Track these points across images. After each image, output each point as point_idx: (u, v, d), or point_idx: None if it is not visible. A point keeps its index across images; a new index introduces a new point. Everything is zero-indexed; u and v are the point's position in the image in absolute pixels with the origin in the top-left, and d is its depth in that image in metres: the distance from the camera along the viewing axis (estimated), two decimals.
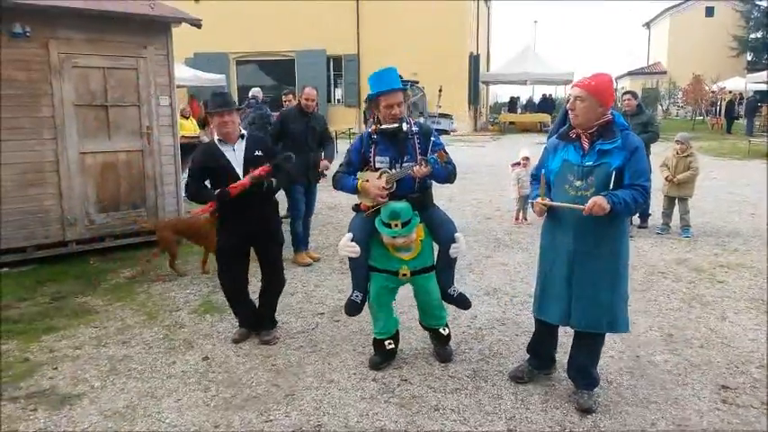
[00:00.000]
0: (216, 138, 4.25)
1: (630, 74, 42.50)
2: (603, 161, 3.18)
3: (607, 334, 4.24)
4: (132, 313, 5.00)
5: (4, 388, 3.71)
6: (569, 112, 3.30)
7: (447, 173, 3.80)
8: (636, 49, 75.01)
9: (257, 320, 4.45)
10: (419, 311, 4.04)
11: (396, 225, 3.62)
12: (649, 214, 8.15)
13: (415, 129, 3.84)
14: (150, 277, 5.95)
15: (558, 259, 3.36)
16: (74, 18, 6.18)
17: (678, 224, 7.66)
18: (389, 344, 3.92)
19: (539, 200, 3.35)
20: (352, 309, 3.83)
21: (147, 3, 6.67)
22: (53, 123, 6.18)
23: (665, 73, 38.69)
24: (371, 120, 9.27)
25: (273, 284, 4.43)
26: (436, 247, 3.94)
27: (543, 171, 3.47)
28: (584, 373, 3.47)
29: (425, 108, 19.06)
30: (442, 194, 9.46)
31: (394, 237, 3.65)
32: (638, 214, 8.09)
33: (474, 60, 27.68)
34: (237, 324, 4.53)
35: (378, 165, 3.81)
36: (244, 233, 4.19)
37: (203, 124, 8.64)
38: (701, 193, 10.55)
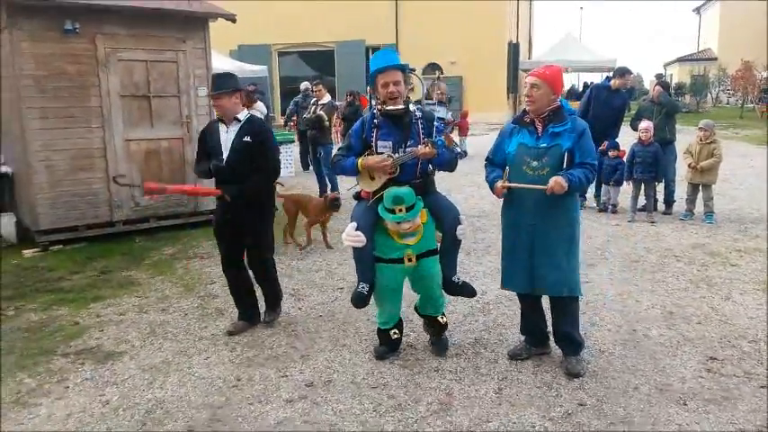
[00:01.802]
0: (216, 116, 4.35)
1: (680, 60, 41.41)
2: (556, 143, 3.51)
3: (607, 310, 4.53)
4: (171, 285, 5.49)
5: (56, 345, 4.21)
6: (526, 99, 3.56)
7: (451, 158, 3.74)
8: (684, 35, 72.55)
9: (258, 313, 4.52)
10: (419, 299, 3.99)
11: (400, 210, 3.54)
12: (674, 201, 8.22)
13: (418, 113, 3.78)
14: (189, 255, 6.44)
15: (521, 233, 3.62)
16: (119, 15, 6.69)
17: (702, 211, 7.74)
18: (394, 333, 3.91)
19: (500, 183, 3.59)
20: (360, 301, 3.72)
21: (187, 0, 7.13)
22: (101, 113, 6.72)
23: (715, 59, 37.57)
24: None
25: (255, 261, 4.43)
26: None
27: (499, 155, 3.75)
28: (567, 338, 3.72)
29: (461, 96, 19.11)
30: (473, 181, 9.72)
31: (399, 222, 3.57)
32: (663, 201, 8.21)
33: (513, 48, 27.54)
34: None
35: (380, 149, 3.70)
36: (232, 236, 4.29)
37: None
38: (736, 180, 10.53)
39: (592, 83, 31.13)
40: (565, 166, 3.52)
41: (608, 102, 8.06)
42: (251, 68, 19.64)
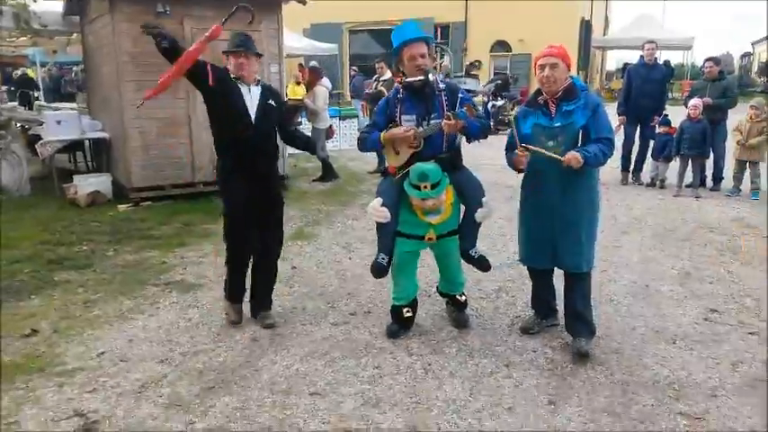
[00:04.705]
0: (232, 75, 3.91)
1: None
2: (570, 121, 3.49)
3: (628, 270, 4.70)
4: None
5: (149, 278, 5.09)
6: (544, 80, 3.48)
7: (480, 126, 3.70)
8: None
9: (252, 302, 4.25)
10: (440, 275, 4.08)
11: (425, 187, 3.53)
12: (722, 177, 8.38)
13: (442, 86, 3.73)
14: None
15: (542, 210, 3.62)
16: None
17: (750, 187, 7.89)
18: (407, 312, 3.94)
19: (518, 149, 3.51)
20: (379, 271, 3.77)
21: None
22: (187, 86, 7.58)
23: None
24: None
25: (273, 244, 4.17)
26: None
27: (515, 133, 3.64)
28: (580, 317, 3.69)
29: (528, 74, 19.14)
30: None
31: (423, 199, 3.56)
32: (711, 177, 8.39)
33: (585, 25, 27.11)
34: (226, 298, 4.19)
35: (404, 123, 3.69)
36: (249, 194, 3.92)
37: (308, 89, 9.87)
38: None
39: (667, 61, 30.33)
40: (580, 143, 3.50)
41: (647, 77, 8.36)
42: (321, 46, 20.45)
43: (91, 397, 3.24)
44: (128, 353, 3.74)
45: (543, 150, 3.49)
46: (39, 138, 8.33)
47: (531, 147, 3.51)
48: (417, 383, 3.35)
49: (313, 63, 11.79)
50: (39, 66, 19.03)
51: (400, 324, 3.97)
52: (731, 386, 3.30)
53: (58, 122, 8.18)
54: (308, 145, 4.40)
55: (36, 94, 18.10)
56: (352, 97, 16.76)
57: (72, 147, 9.00)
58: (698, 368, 3.49)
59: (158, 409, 3.13)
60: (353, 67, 19.90)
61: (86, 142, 8.95)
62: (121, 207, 7.49)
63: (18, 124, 9.76)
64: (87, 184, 7.70)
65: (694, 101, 8.01)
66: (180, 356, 3.69)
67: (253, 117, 3.88)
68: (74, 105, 12.00)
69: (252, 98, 3.91)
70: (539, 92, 3.64)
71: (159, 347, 3.81)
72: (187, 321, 4.22)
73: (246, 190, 3.90)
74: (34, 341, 3.90)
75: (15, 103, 12.47)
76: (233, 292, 4.16)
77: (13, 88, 18.31)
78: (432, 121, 3.64)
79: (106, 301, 4.56)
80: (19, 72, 19.87)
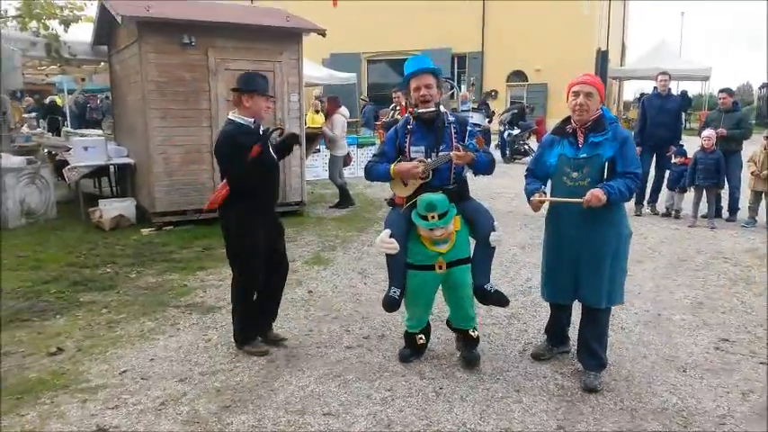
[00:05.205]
0: (251, 120, 3.92)
1: None
2: (596, 153, 3.45)
3: (640, 299, 4.62)
4: None
5: (170, 300, 5.24)
6: (577, 107, 3.47)
7: (488, 160, 3.75)
8: None
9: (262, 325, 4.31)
10: (450, 309, 3.99)
11: (432, 217, 3.57)
12: (738, 208, 8.39)
13: (451, 118, 3.81)
14: None
15: (563, 245, 3.63)
16: (228, 31, 7.82)
17: (766, 219, 7.89)
18: (420, 339, 3.99)
19: (536, 196, 3.59)
20: (391, 305, 3.78)
21: (284, 17, 8.16)
22: (210, 114, 7.85)
23: None
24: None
25: (284, 270, 4.36)
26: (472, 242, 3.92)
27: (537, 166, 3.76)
28: (592, 353, 3.67)
29: (545, 103, 19.37)
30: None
31: (431, 229, 3.59)
32: (727, 208, 8.41)
33: (602, 56, 27.32)
34: (243, 340, 4.18)
35: (413, 154, 3.73)
36: (268, 229, 4.07)
37: (327, 117, 10.11)
38: None
39: (684, 91, 30.47)
40: (606, 176, 3.45)
41: (662, 107, 8.45)
42: (340, 76, 20.83)
43: (113, 413, 3.36)
44: (149, 371, 3.87)
45: (560, 199, 3.53)
46: (66, 163, 8.61)
47: (546, 198, 3.57)
48: (428, 406, 3.42)
49: (317, 93, 12.16)
50: (66, 93, 19.60)
51: (413, 349, 4.02)
52: (740, 415, 3.34)
53: (86, 148, 8.46)
54: (285, 142, 4.31)
55: (63, 121, 18.64)
56: (362, 125, 17.24)
57: (98, 172, 9.27)
58: (707, 396, 3.53)
59: (177, 425, 3.24)
60: (363, 97, 20.31)
61: (111, 168, 9.23)
62: (144, 231, 7.69)
63: (46, 150, 10.10)
64: (112, 209, 7.94)
65: (707, 132, 8.08)
66: (199, 375, 3.81)
67: (274, 156, 4.01)
68: (99, 132, 12.37)
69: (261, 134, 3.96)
70: (567, 120, 3.62)
71: (179, 366, 3.94)
72: (206, 342, 4.34)
73: (265, 226, 4.03)
74: (59, 359, 4.04)
75: (44, 130, 12.88)
76: (250, 327, 4.19)
77: (36, 114, 18.86)
78: (440, 153, 3.69)
79: (129, 322, 4.71)
80: (47, 100, 20.46)
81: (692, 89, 30.97)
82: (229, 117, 3.99)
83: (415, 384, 3.68)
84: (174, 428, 3.21)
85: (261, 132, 3.93)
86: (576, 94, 3.49)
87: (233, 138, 3.85)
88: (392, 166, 3.77)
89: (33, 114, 14.72)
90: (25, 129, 11.36)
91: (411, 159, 3.74)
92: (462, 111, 17.15)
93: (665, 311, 4.89)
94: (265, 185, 3.99)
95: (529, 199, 3.67)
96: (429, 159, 3.69)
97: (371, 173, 3.89)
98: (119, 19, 7.45)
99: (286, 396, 3.54)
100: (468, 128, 3.81)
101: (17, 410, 3.37)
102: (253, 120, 3.93)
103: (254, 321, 4.21)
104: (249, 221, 3.94)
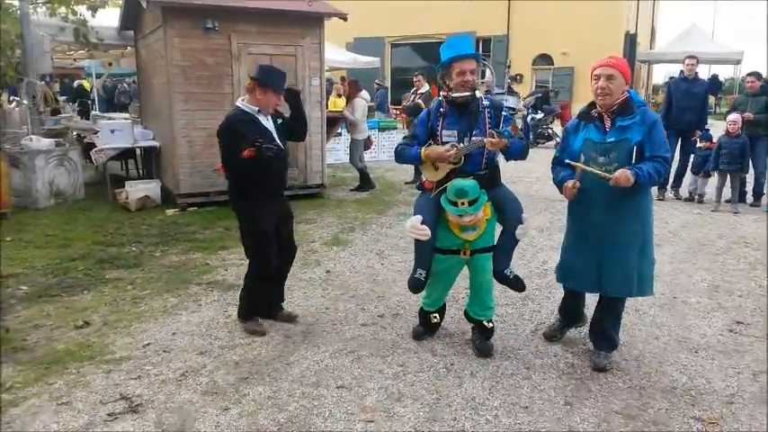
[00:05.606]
0: (255, 108, 3.99)
1: None
2: (624, 137, 3.35)
3: (657, 281, 4.28)
4: None
5: (192, 277, 5.39)
6: (599, 91, 3.37)
7: (522, 146, 3.65)
8: None
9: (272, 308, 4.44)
10: (470, 297, 4.01)
11: (462, 204, 3.50)
12: (763, 193, 8.27)
13: (486, 102, 3.69)
14: (297, 220, 7.52)
15: (589, 230, 3.53)
16: (250, 15, 7.90)
17: None
18: (435, 317, 4.03)
19: (570, 182, 3.44)
20: (416, 286, 3.80)
21: (306, 1, 8.22)
22: (232, 98, 7.93)
23: None
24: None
25: (291, 254, 4.41)
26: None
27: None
28: (605, 335, 3.68)
29: (571, 87, 19.16)
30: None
31: (461, 215, 3.54)
32: (752, 193, 8.29)
33: (630, 39, 26.84)
34: (246, 315, 4.29)
35: (445, 138, 3.65)
36: (276, 213, 4.18)
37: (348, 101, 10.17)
38: None
39: (715, 75, 29.81)
40: (634, 160, 3.35)
41: (688, 92, 8.32)
42: (364, 60, 20.83)
43: (136, 383, 3.51)
44: (171, 344, 4.02)
45: (591, 168, 3.39)
46: (93, 145, 8.83)
47: (577, 164, 3.44)
48: (439, 381, 3.51)
49: (328, 76, 12.19)
50: (94, 77, 19.96)
51: (426, 327, 4.09)
52: (749, 394, 3.36)
53: (113, 131, 8.66)
54: (298, 119, 4.35)
55: (91, 104, 19.03)
56: (374, 109, 17.24)
57: (124, 154, 9.49)
58: (717, 377, 3.55)
59: (197, 395, 3.37)
60: (377, 81, 20.26)
61: (138, 150, 9.43)
62: (169, 212, 7.87)
63: (74, 133, 10.36)
64: (137, 190, 8.14)
65: (733, 116, 7.96)
66: (218, 349, 3.94)
67: (281, 143, 4.07)
68: (127, 115, 12.61)
69: (270, 124, 4.08)
70: (592, 104, 3.50)
71: (200, 340, 4.08)
72: (226, 318, 4.47)
73: (272, 212, 4.13)
74: (86, 332, 4.21)
75: (74, 113, 13.17)
76: (254, 306, 4.29)
77: (65, 98, 19.29)
78: (473, 138, 3.61)
79: (152, 298, 4.87)
80: (76, 84, 20.88)
81: (724, 73, 30.27)
82: (236, 104, 4.09)
83: (427, 360, 3.77)
84: (193, 398, 3.35)
85: (262, 129, 3.97)
86: (598, 77, 3.39)
87: (233, 125, 3.94)
88: (423, 149, 3.70)
89: (63, 98, 15.04)
90: (66, 111, 11.67)
91: (443, 143, 3.65)
92: (496, 94, 17.09)
93: (681, 294, 4.89)
94: (269, 174, 4.03)
95: (559, 188, 3.58)
96: (461, 144, 3.60)
97: (402, 155, 3.83)
98: (144, 4, 7.59)
99: (301, 370, 3.66)
100: (504, 112, 3.71)
101: (45, 379, 3.54)
102: (257, 108, 4.00)
103: (263, 294, 4.30)
104: (255, 208, 4.06)
